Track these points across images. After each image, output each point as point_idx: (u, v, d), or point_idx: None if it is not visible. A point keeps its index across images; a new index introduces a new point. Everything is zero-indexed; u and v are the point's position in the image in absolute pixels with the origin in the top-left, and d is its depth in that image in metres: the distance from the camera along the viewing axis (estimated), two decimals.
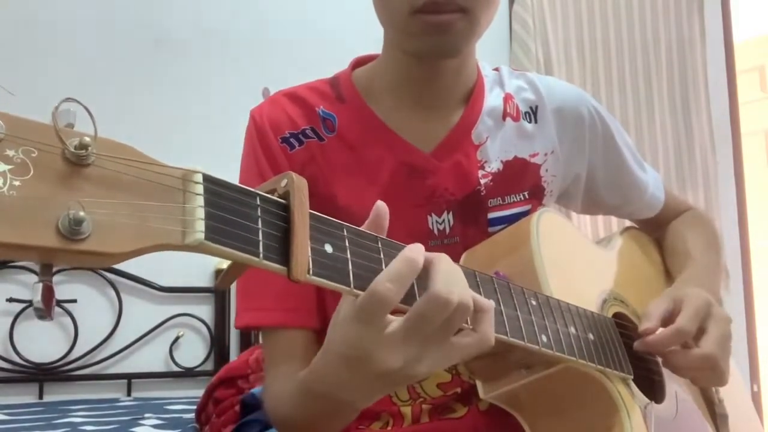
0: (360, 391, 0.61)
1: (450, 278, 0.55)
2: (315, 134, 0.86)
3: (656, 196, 1.09)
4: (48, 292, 0.38)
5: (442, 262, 0.56)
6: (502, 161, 0.90)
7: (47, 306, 0.38)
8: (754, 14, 3.27)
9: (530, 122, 0.93)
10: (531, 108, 0.94)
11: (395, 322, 0.54)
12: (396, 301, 0.52)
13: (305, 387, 0.68)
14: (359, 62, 0.93)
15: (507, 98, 0.93)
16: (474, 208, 0.88)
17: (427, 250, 0.59)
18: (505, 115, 0.92)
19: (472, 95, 0.90)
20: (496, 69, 0.97)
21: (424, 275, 0.55)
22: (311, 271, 0.49)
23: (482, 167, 0.88)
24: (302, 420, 0.73)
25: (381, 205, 0.58)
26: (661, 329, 0.79)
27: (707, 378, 0.83)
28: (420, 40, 0.78)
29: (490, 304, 0.59)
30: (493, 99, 0.92)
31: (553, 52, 2.56)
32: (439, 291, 0.53)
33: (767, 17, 3.32)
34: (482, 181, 0.88)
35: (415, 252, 0.55)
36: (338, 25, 2.34)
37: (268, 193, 0.49)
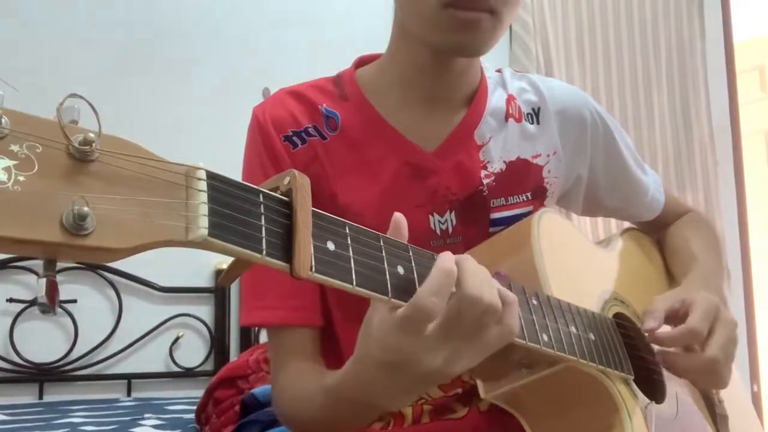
0: (398, 395, 0.64)
1: (480, 278, 0.59)
2: (318, 133, 0.86)
3: (656, 198, 1.09)
4: (52, 288, 0.38)
5: (469, 261, 0.59)
6: (504, 162, 0.90)
7: (51, 301, 0.38)
8: (754, 14, 3.27)
9: (532, 123, 0.93)
10: (533, 109, 0.94)
11: (432, 324, 0.57)
12: (439, 313, 0.56)
13: (336, 394, 0.70)
14: (362, 61, 0.93)
15: (509, 99, 0.93)
16: (476, 209, 0.87)
17: (429, 249, 0.60)
18: (507, 116, 0.91)
19: (476, 96, 0.90)
20: (499, 70, 0.97)
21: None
22: (314, 268, 0.49)
23: (485, 167, 0.88)
24: (326, 422, 0.75)
25: (399, 217, 0.60)
26: (668, 327, 0.79)
27: (707, 381, 0.83)
28: (447, 35, 0.78)
29: (513, 297, 0.61)
30: (495, 100, 0.92)
31: (553, 52, 2.57)
32: (471, 292, 0.56)
33: (767, 17, 3.32)
34: (485, 182, 0.88)
35: (449, 262, 0.57)
36: (339, 24, 2.35)
37: (270, 190, 0.49)
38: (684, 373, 0.81)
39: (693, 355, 0.79)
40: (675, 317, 0.81)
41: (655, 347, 0.83)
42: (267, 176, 0.82)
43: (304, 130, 0.85)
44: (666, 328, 0.80)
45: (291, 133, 0.85)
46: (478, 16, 0.75)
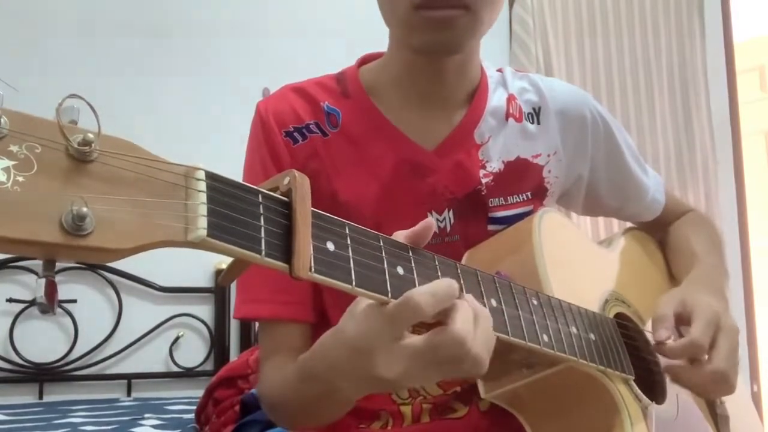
0: (350, 382, 0.62)
1: (471, 324, 0.56)
2: (319, 129, 0.86)
3: (657, 199, 1.09)
4: (51, 288, 0.38)
5: (469, 303, 0.58)
6: (503, 161, 0.90)
7: (50, 301, 0.38)
8: (754, 14, 3.27)
9: (533, 123, 0.93)
10: (534, 109, 0.94)
11: (410, 338, 0.56)
12: (428, 316, 0.54)
13: (304, 366, 0.69)
14: (366, 59, 0.93)
15: (510, 99, 0.93)
16: (475, 207, 0.87)
17: (427, 248, 0.60)
18: (507, 115, 0.91)
19: (476, 95, 0.90)
20: (500, 70, 0.97)
21: (452, 309, 0.56)
22: (313, 269, 0.49)
23: (483, 167, 0.88)
24: (295, 404, 0.74)
25: (429, 222, 0.60)
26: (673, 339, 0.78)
27: (716, 391, 0.81)
28: (422, 35, 0.78)
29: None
30: (496, 99, 0.92)
31: (553, 52, 2.56)
32: (458, 331, 0.55)
33: (767, 17, 3.32)
34: (483, 181, 0.88)
35: (453, 281, 0.56)
36: (339, 23, 2.35)
37: (270, 190, 0.49)
38: (695, 387, 0.79)
39: (698, 368, 0.77)
40: (678, 321, 0.80)
41: (661, 359, 0.82)
42: (266, 171, 0.83)
43: (306, 126, 0.86)
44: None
45: (292, 129, 0.85)
46: (452, 14, 0.76)
